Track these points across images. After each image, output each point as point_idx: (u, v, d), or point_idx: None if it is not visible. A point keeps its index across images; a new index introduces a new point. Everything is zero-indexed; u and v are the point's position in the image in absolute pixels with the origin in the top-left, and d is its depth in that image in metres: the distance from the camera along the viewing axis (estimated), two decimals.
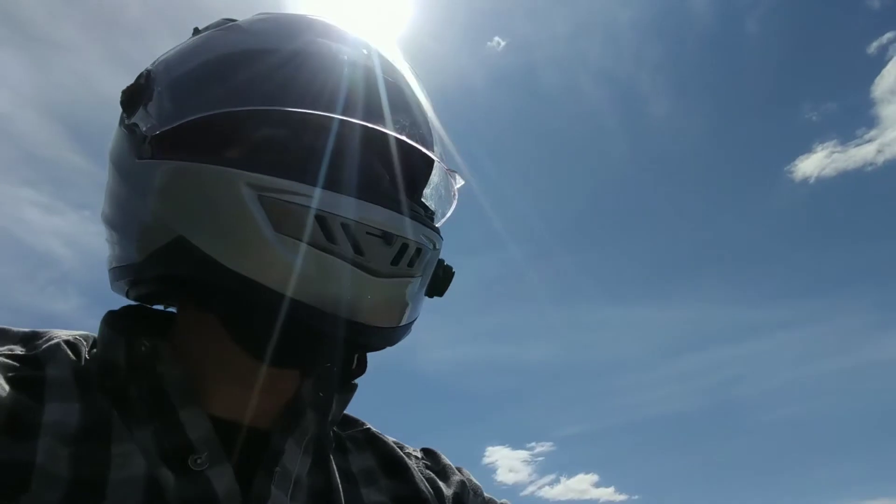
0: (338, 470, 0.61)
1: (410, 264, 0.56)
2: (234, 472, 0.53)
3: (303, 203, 0.51)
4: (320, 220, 0.51)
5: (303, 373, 0.62)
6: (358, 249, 0.52)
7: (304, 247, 0.51)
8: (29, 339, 0.57)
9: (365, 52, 0.63)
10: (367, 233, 0.53)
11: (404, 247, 0.55)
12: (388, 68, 0.63)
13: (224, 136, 0.56)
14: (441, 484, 0.68)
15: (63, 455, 0.49)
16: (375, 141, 0.60)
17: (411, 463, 0.67)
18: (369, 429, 0.68)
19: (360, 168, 0.58)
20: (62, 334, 0.59)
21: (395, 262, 0.54)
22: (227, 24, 0.63)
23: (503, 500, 0.71)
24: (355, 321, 0.52)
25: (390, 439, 0.69)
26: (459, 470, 0.72)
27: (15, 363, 0.53)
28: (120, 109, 0.61)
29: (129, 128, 0.58)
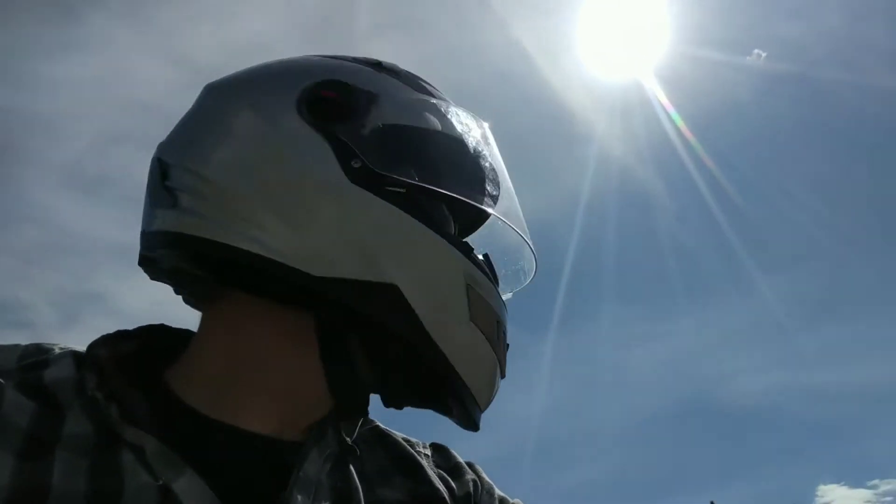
0: (354, 471, 0.63)
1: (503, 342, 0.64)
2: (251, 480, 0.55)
3: (492, 304, 0.60)
4: (498, 324, 0.61)
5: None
6: (502, 348, 0.62)
7: (482, 338, 0.59)
8: (37, 351, 0.57)
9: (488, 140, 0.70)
10: (504, 332, 0.63)
11: (501, 326, 0.63)
12: (493, 143, 0.71)
13: (424, 205, 0.59)
14: (454, 482, 0.68)
15: (82, 467, 0.49)
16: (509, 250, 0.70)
17: (423, 461, 0.67)
18: (377, 426, 0.69)
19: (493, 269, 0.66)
20: (68, 346, 0.59)
21: (499, 341, 0.62)
22: (427, 95, 0.66)
23: (515, 500, 0.72)
24: (479, 403, 0.61)
25: (399, 435, 0.70)
26: (471, 466, 0.72)
27: (34, 373, 0.54)
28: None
29: (331, 136, 0.56)
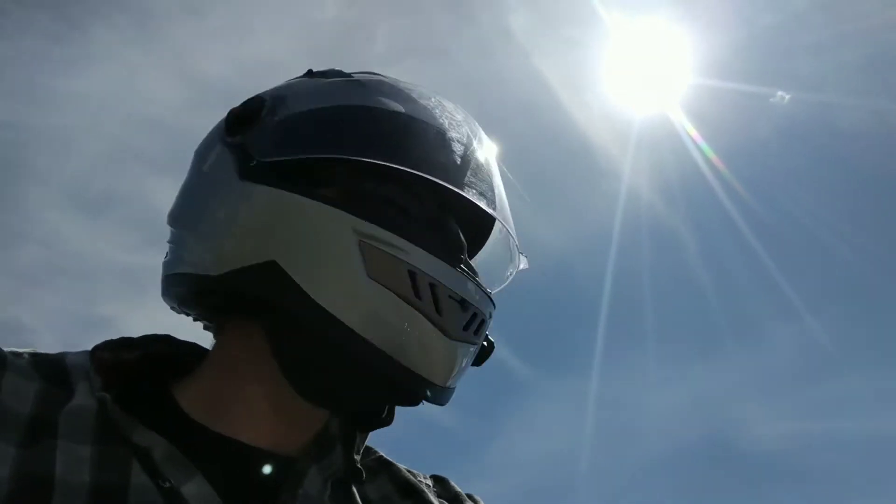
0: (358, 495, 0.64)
1: (476, 332, 0.60)
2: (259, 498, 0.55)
3: (399, 256, 0.55)
4: (412, 275, 0.55)
5: (334, 412, 0.64)
6: (439, 310, 0.56)
7: (390, 295, 0.54)
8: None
9: (474, 135, 0.68)
10: (449, 296, 0.57)
11: (475, 316, 0.59)
12: (490, 149, 0.69)
13: (324, 178, 0.59)
14: None
15: (85, 458, 0.50)
16: (470, 214, 0.65)
17: (425, 489, 0.69)
18: (382, 456, 0.70)
19: (451, 235, 0.62)
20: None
21: (466, 328, 0.58)
22: (349, 78, 0.68)
23: None
24: (417, 373, 0.55)
25: (402, 466, 0.71)
26: (471, 497, 0.73)
27: (41, 356, 0.57)
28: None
29: (233, 146, 0.61)
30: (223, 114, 0.65)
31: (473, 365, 0.66)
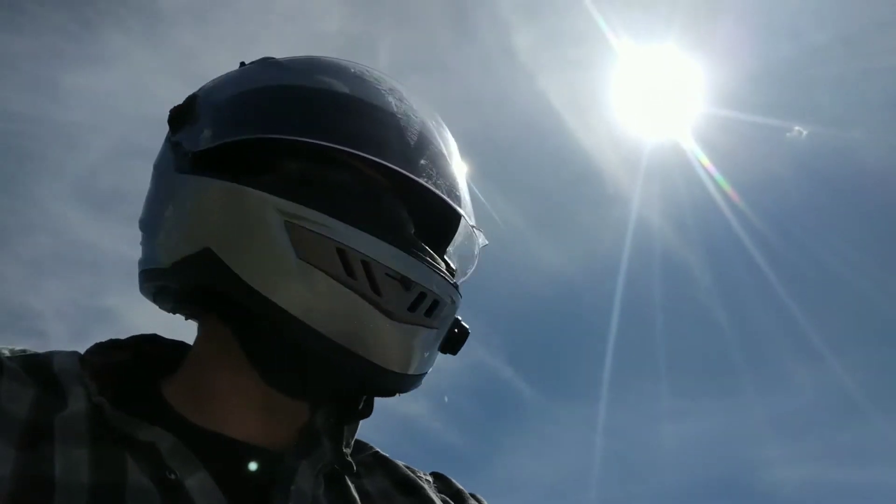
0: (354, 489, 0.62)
1: (427, 314, 0.57)
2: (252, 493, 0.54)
3: (325, 234, 0.53)
4: (341, 252, 0.53)
5: (310, 403, 0.62)
6: (375, 289, 0.53)
7: (321, 276, 0.52)
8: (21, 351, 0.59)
9: (401, 100, 0.65)
10: (387, 274, 0.54)
11: (422, 295, 0.56)
12: (424, 118, 0.66)
13: (259, 163, 0.59)
14: None
15: (83, 459, 0.49)
16: (404, 187, 0.62)
17: (424, 485, 0.67)
18: (378, 452, 0.69)
19: (385, 210, 0.60)
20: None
21: (412, 308, 0.55)
22: (268, 61, 0.68)
23: None
24: (365, 358, 0.53)
25: (401, 463, 0.70)
26: (474, 496, 0.72)
27: (40, 359, 0.57)
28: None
29: (173, 144, 0.62)
30: None
31: (446, 353, 0.64)
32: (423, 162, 0.61)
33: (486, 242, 0.71)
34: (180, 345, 0.67)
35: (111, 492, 0.49)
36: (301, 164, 0.59)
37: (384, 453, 0.69)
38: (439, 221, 0.68)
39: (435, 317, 0.58)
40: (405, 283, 0.55)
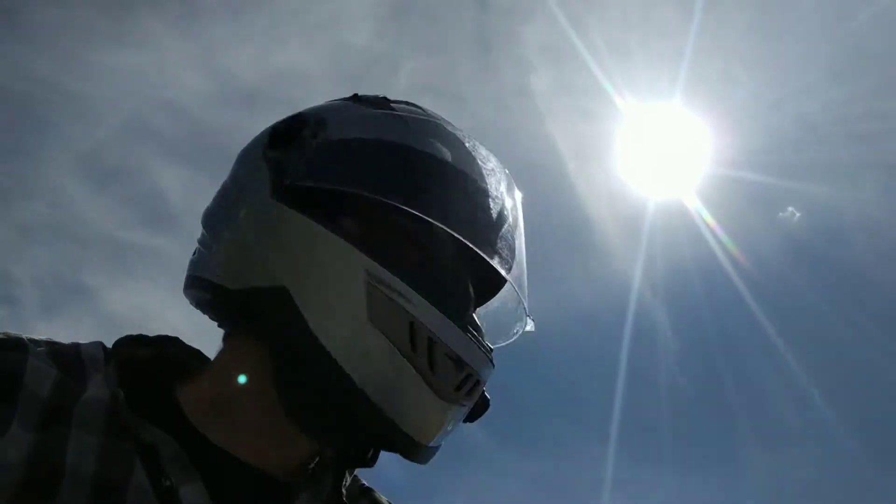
0: None
1: (468, 393, 0.59)
2: None
3: (403, 305, 0.55)
4: (411, 326, 0.55)
5: (321, 444, 0.64)
6: (432, 366, 0.56)
7: (385, 342, 0.55)
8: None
9: (508, 191, 0.68)
10: (446, 354, 0.56)
11: (469, 377, 0.58)
12: (518, 204, 0.69)
13: (352, 208, 0.60)
14: None
15: (93, 447, 0.50)
16: (484, 278, 0.65)
17: None
18: (363, 483, 0.70)
19: (461, 289, 0.62)
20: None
21: (458, 388, 0.58)
22: (392, 111, 0.67)
23: None
24: (399, 427, 0.55)
25: (384, 497, 0.71)
26: None
27: (57, 346, 0.57)
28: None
29: (272, 161, 0.61)
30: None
31: (466, 422, 0.65)
32: (511, 255, 0.64)
33: (533, 330, 0.72)
34: (198, 353, 0.67)
35: (113, 489, 0.49)
36: (395, 227, 0.60)
37: (368, 485, 0.70)
38: (486, 285, 0.70)
39: (473, 396, 0.60)
40: (459, 364, 0.57)
